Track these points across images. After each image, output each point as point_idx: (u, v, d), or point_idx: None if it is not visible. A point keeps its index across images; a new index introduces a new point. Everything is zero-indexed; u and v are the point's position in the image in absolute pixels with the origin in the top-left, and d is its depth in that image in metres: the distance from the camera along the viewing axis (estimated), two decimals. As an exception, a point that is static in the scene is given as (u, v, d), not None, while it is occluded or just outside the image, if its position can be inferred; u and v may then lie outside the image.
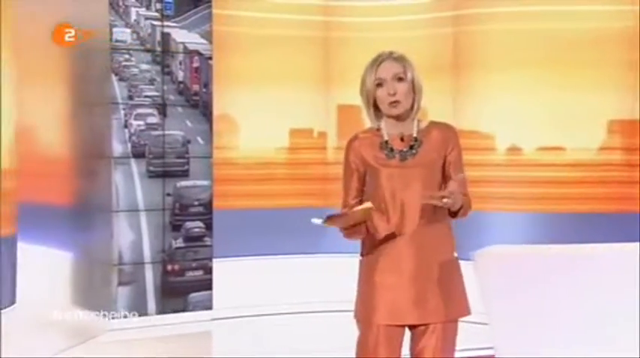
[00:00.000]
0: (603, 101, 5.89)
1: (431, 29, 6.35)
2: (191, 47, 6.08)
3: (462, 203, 2.69)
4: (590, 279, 3.56)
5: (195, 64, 6.10)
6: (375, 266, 2.75)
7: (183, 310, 5.96)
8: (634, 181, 5.84)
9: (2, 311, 4.83)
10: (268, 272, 6.30)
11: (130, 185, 5.84)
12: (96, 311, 5.53)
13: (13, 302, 5.03)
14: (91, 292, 5.80)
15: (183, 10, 6.05)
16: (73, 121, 6.06)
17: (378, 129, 2.79)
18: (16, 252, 5.07)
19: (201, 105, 6.12)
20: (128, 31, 5.86)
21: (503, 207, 5.93)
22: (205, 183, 6.09)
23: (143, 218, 5.86)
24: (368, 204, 2.65)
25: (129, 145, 5.84)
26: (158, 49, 5.97)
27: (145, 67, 5.91)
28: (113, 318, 5.57)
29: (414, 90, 2.76)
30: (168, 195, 5.95)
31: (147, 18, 5.93)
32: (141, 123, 5.88)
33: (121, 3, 5.84)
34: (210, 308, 6.02)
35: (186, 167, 6.03)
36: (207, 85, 6.13)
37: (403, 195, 2.72)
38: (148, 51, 5.93)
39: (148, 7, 5.94)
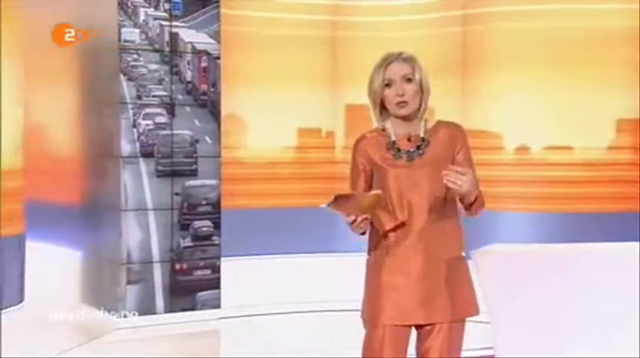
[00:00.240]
0: (611, 100, 5.88)
1: (439, 29, 6.35)
2: (199, 47, 6.09)
3: (478, 194, 2.67)
4: (589, 278, 3.55)
5: (204, 64, 6.11)
6: (382, 266, 2.74)
7: (192, 309, 5.97)
8: (643, 180, 5.84)
9: (11, 309, 4.85)
10: (276, 271, 6.31)
11: (139, 184, 5.85)
12: (104, 310, 5.56)
13: (21, 300, 5.05)
14: (100, 291, 5.83)
15: (192, 10, 6.06)
16: (81, 121, 6.10)
17: (384, 130, 2.79)
18: (25, 251, 5.09)
19: (209, 105, 6.13)
20: (137, 31, 5.88)
21: (511, 207, 5.92)
22: (213, 182, 6.10)
23: (151, 217, 5.87)
24: (378, 191, 2.63)
25: (137, 145, 5.85)
26: (166, 48, 5.98)
27: (153, 66, 5.93)
28: (122, 317, 5.59)
29: (422, 90, 2.75)
30: (177, 194, 5.96)
31: (155, 18, 5.94)
32: (149, 122, 5.89)
33: (129, 3, 5.86)
34: (218, 306, 6.03)
35: (194, 166, 6.03)
36: (215, 84, 6.14)
37: (410, 195, 2.72)
38: (156, 51, 5.94)
39: (156, 7, 5.95)
